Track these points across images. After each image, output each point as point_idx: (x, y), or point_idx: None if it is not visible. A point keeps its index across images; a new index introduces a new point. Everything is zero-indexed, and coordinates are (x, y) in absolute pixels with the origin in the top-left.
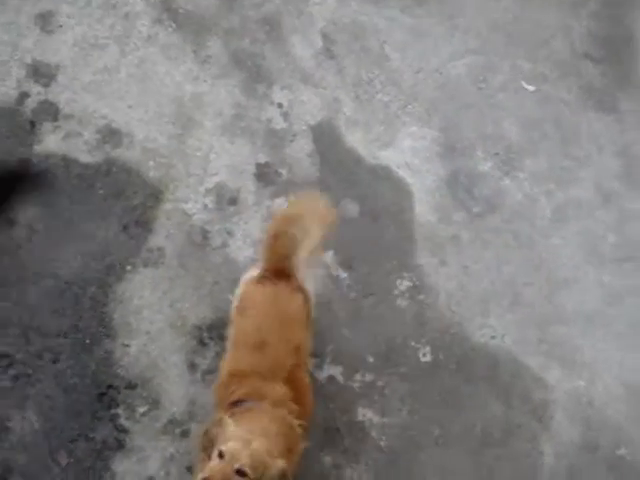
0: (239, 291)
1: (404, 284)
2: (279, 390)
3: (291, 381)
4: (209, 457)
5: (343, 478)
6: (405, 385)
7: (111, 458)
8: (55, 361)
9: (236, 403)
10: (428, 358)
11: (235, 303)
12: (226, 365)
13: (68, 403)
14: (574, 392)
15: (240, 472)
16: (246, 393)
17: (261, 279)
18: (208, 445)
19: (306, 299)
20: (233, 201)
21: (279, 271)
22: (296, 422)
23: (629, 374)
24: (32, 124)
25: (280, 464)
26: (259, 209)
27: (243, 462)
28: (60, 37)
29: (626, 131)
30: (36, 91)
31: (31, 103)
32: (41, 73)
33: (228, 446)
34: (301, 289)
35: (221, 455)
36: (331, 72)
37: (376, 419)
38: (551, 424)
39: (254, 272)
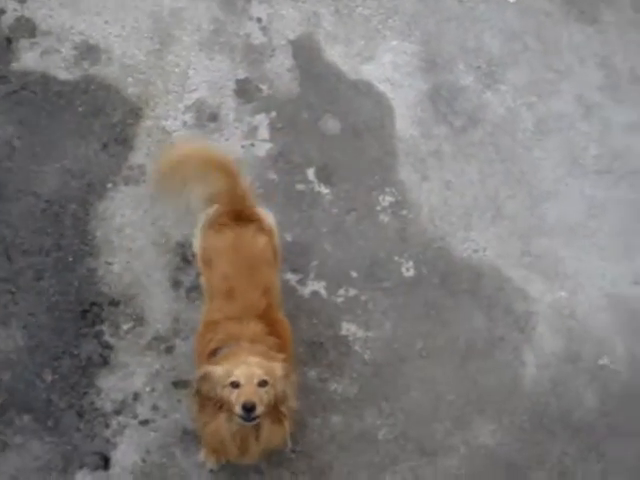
0: (198, 240)
1: (386, 199)
2: (254, 327)
3: (266, 319)
4: (217, 404)
5: (328, 391)
6: (388, 299)
7: (96, 374)
8: (38, 279)
9: (214, 352)
10: (411, 273)
11: (199, 252)
12: (203, 317)
13: (52, 321)
14: (556, 304)
15: (261, 383)
16: (221, 339)
17: (219, 227)
18: (206, 399)
19: (270, 238)
20: (213, 117)
21: (237, 214)
22: (278, 355)
23: (611, 285)
24: (9, 41)
25: (278, 364)
26: (240, 125)
27: (259, 374)
28: None
29: (608, 42)
30: (12, 7)
31: (7, 19)
32: None
33: (237, 373)
34: (262, 229)
35: (235, 385)
36: None
37: (360, 333)
38: (533, 335)
39: (208, 216)
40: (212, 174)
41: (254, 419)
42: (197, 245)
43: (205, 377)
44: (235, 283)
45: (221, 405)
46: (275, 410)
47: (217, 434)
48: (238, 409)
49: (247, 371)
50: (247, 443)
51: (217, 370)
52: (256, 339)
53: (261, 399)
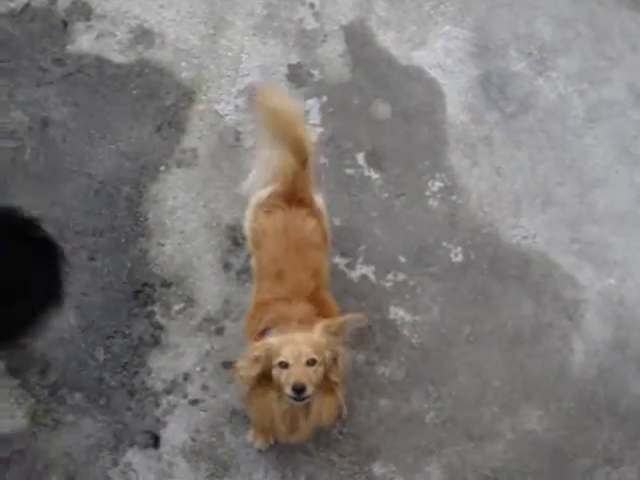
0: (248, 222)
1: (436, 185)
2: (303, 308)
3: (315, 301)
4: (267, 381)
5: (376, 374)
6: (437, 284)
7: (147, 354)
8: (91, 259)
9: (264, 332)
10: (460, 258)
11: (249, 233)
12: (253, 298)
13: (105, 300)
14: (605, 291)
15: (309, 362)
16: (271, 319)
17: (271, 208)
18: (261, 376)
19: (319, 221)
20: None
21: (289, 196)
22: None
23: None
24: (65, 24)
25: (322, 325)
26: None
27: (306, 352)
28: None
29: None
30: None
31: (63, 3)
32: None
33: (284, 354)
34: (313, 212)
35: (284, 365)
36: None
37: (408, 317)
38: (582, 323)
39: (259, 198)
40: (290, 145)
41: (305, 399)
42: (247, 227)
43: (263, 350)
44: (284, 265)
45: (270, 381)
46: (326, 380)
47: (266, 413)
48: (288, 390)
49: (295, 350)
50: (297, 422)
51: (270, 344)
52: (305, 319)
53: (310, 379)
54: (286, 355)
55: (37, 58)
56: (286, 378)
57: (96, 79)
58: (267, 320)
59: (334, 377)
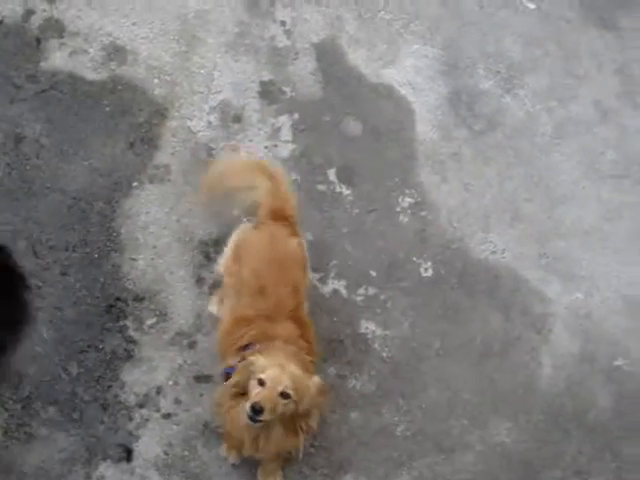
0: (229, 249)
1: (406, 201)
2: (288, 328)
3: (295, 319)
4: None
5: (347, 388)
6: (407, 299)
7: (120, 368)
8: (64, 274)
9: (246, 347)
10: (430, 273)
11: (228, 254)
12: (230, 313)
13: (77, 315)
14: (573, 305)
15: (284, 394)
16: (255, 335)
17: (257, 225)
18: (240, 388)
19: (301, 242)
20: (237, 119)
21: (276, 215)
22: (307, 358)
23: (627, 287)
24: (38, 41)
25: (317, 380)
26: (263, 127)
27: (285, 384)
28: None
29: (626, 49)
30: (42, 8)
31: (37, 20)
32: None
33: (267, 373)
34: (296, 231)
35: (261, 383)
36: None
37: (379, 331)
38: (550, 336)
39: (245, 228)
40: (257, 179)
41: (257, 421)
42: (222, 263)
43: (247, 365)
44: (266, 280)
45: (244, 393)
46: (292, 421)
47: (236, 421)
48: (247, 406)
49: (277, 377)
50: (257, 440)
51: (259, 360)
52: (289, 340)
53: (273, 407)
54: (268, 375)
55: (10, 75)
56: (253, 395)
57: (69, 96)
58: (251, 335)
59: (303, 424)
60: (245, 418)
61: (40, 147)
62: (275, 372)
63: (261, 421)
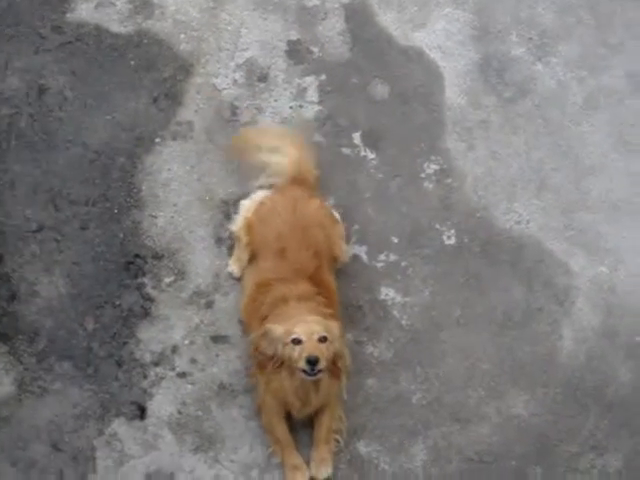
0: (245, 210)
1: (431, 167)
2: (302, 287)
3: (314, 280)
4: (276, 363)
5: (364, 354)
6: (428, 266)
7: (136, 325)
8: (83, 228)
9: (266, 317)
10: (452, 241)
11: (246, 215)
12: (252, 277)
13: (95, 270)
14: (597, 279)
15: (322, 339)
16: (271, 303)
17: (279, 188)
18: (265, 359)
19: (323, 204)
20: (263, 77)
21: (297, 178)
22: (326, 310)
23: None
24: None
25: (335, 323)
26: (289, 87)
27: (318, 330)
28: None
29: None
30: None
31: None
32: None
33: (297, 330)
34: (317, 194)
35: (297, 341)
36: None
37: (398, 298)
38: (572, 309)
39: (257, 197)
40: (283, 144)
41: (318, 373)
42: (238, 221)
43: (265, 335)
44: (288, 243)
45: (281, 363)
46: (333, 366)
47: (280, 391)
48: (302, 364)
49: (307, 328)
50: (308, 397)
51: (277, 329)
52: (304, 297)
53: (323, 353)
54: (299, 332)
55: (36, 25)
56: (300, 353)
57: (94, 48)
58: (268, 304)
59: (340, 364)
60: (297, 379)
61: (63, 99)
62: (303, 326)
63: (320, 371)
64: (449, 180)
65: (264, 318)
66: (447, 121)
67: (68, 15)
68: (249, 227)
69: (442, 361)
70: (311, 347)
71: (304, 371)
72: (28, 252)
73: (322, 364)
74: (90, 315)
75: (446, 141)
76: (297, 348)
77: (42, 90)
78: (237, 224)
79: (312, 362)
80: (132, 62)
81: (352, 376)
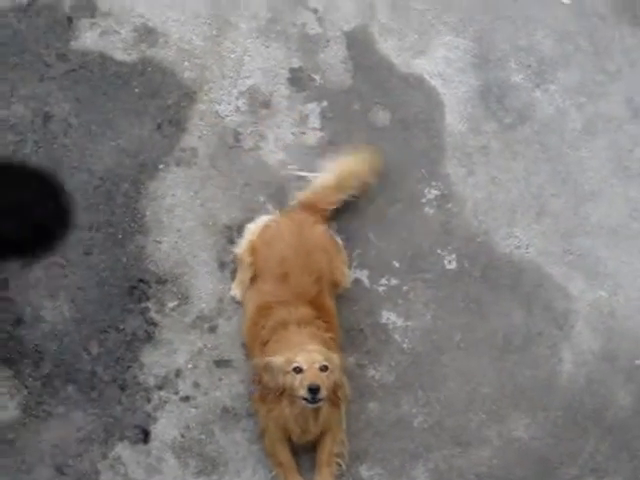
0: (250, 233)
1: (432, 192)
2: (302, 311)
3: (315, 305)
4: (277, 392)
5: (366, 377)
6: (429, 291)
7: (140, 349)
8: (88, 253)
9: (267, 342)
10: (453, 265)
11: (251, 238)
12: (253, 301)
13: (100, 295)
14: (596, 303)
15: (323, 368)
16: (272, 327)
17: (286, 212)
18: (266, 388)
19: (327, 230)
20: (266, 104)
21: (311, 205)
22: (326, 335)
23: None
24: (70, 20)
25: (335, 354)
26: (291, 113)
27: (319, 359)
28: None
29: None
30: None
31: None
32: None
33: (299, 359)
34: (324, 221)
35: (298, 370)
36: None
37: (400, 322)
38: (572, 333)
39: (262, 221)
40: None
41: (319, 401)
42: (242, 244)
43: (266, 367)
44: (290, 267)
45: (282, 392)
46: (333, 395)
47: (280, 419)
48: (303, 392)
49: (309, 357)
50: (308, 424)
51: (277, 360)
52: (304, 321)
53: (324, 382)
54: (300, 361)
55: (41, 53)
56: (301, 381)
57: (99, 76)
58: (269, 328)
59: (340, 393)
60: (297, 407)
61: (68, 126)
62: (304, 355)
63: (321, 400)
64: (449, 205)
65: (265, 342)
66: (447, 147)
67: (72, 43)
68: (253, 249)
69: (443, 385)
70: (312, 376)
71: (305, 399)
72: (33, 277)
73: (323, 393)
74: (94, 339)
75: (446, 167)
76: (298, 377)
77: (47, 117)
78: (241, 247)
79: (313, 390)
80: (136, 89)
81: (353, 400)
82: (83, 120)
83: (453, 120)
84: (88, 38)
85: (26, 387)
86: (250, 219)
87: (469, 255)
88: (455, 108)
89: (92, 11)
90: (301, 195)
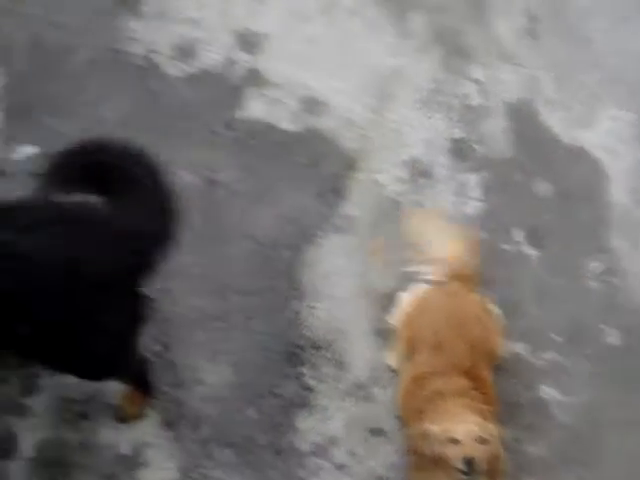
0: (405, 303)
1: (595, 266)
2: (458, 381)
3: (471, 376)
4: (432, 462)
5: (524, 452)
6: (591, 366)
7: (295, 415)
8: (249, 318)
9: (422, 411)
10: (617, 341)
11: (406, 308)
12: (408, 372)
13: (259, 360)
14: None
15: (480, 440)
16: (427, 397)
17: (438, 282)
18: (421, 457)
19: (481, 299)
20: (426, 174)
21: (458, 275)
22: (484, 406)
23: None
24: (238, 90)
25: (493, 425)
26: (451, 183)
27: (477, 431)
28: (269, 7)
29: None
30: (244, 59)
31: (239, 70)
32: (249, 41)
33: (457, 430)
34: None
35: (454, 441)
36: (532, 51)
37: (559, 397)
38: None
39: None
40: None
41: (474, 473)
42: (396, 314)
43: (423, 436)
44: (444, 337)
45: (437, 462)
46: (489, 467)
47: None
48: (459, 464)
49: (466, 428)
50: None
51: (434, 429)
52: (460, 392)
53: (480, 455)
54: (457, 432)
55: (209, 121)
56: (457, 453)
57: (264, 145)
58: (423, 398)
59: (497, 469)
60: (453, 479)
61: (232, 193)
62: (461, 426)
63: (477, 472)
64: (613, 279)
65: (420, 412)
66: (612, 219)
67: (239, 112)
68: (407, 321)
69: (605, 464)
70: (469, 448)
71: (461, 471)
72: (194, 340)
73: (479, 465)
74: (253, 404)
75: (611, 240)
76: (455, 448)
77: (212, 184)
78: (395, 317)
79: (469, 463)
80: (299, 158)
81: (511, 474)
82: (247, 187)
83: (617, 192)
84: (255, 107)
85: (185, 449)
86: (404, 288)
87: (634, 331)
88: (620, 180)
89: (260, 82)
90: (450, 265)
